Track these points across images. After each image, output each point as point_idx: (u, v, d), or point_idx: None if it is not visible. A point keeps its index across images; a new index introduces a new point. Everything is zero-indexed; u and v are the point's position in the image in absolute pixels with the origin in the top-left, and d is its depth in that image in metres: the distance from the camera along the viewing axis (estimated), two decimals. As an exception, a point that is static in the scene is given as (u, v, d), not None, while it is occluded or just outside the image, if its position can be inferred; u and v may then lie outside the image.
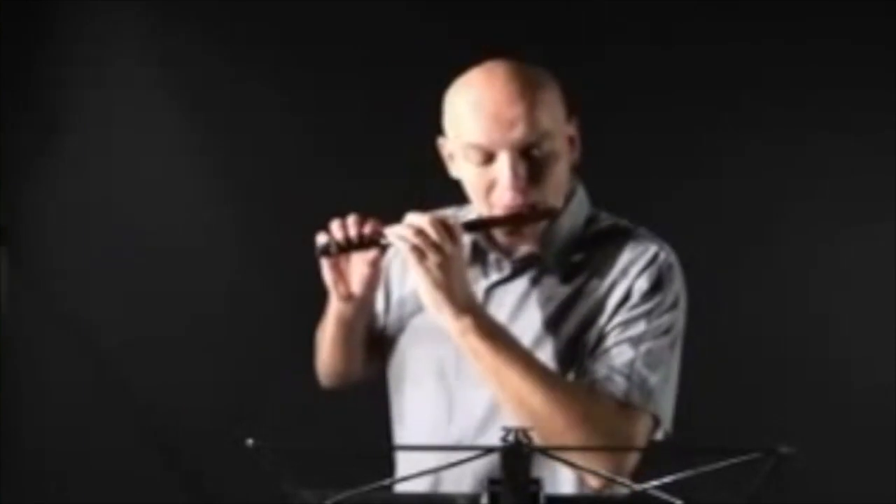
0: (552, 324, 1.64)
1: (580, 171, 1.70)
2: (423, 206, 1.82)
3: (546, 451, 1.18)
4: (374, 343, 1.83)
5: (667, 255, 1.65)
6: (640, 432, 1.59)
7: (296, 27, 2.94)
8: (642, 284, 1.62)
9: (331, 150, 2.94)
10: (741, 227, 2.86)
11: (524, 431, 1.13)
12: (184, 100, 2.96)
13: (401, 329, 1.78)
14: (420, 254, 1.54)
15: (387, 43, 2.90)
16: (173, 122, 2.97)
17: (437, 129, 1.68)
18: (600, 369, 1.59)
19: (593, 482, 1.55)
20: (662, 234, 1.70)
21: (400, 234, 1.56)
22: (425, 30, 2.91)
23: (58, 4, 2.97)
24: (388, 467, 1.75)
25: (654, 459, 1.53)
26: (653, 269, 1.63)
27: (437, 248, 1.54)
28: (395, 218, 1.72)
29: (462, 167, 1.64)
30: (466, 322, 1.55)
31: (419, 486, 1.59)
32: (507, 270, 1.68)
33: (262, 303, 2.95)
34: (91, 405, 2.94)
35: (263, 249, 2.95)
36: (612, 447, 1.54)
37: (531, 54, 1.67)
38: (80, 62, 2.98)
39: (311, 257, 1.66)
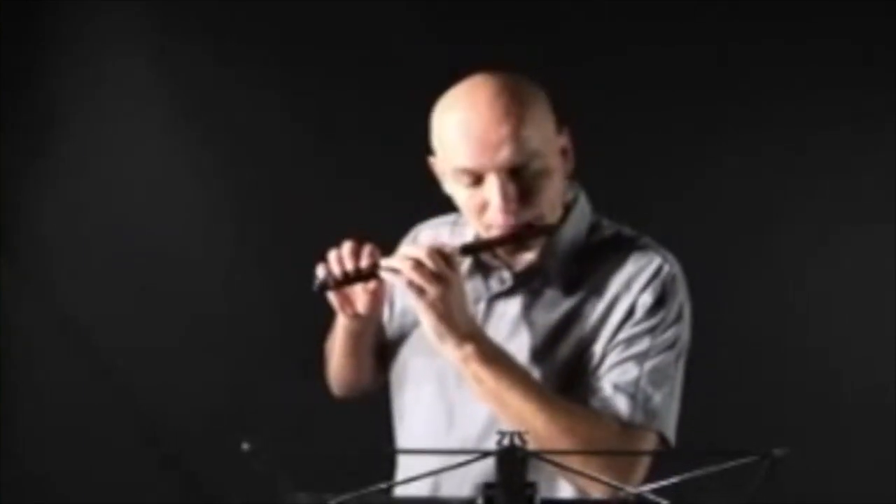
0: (554, 337, 1.63)
1: (580, 172, 1.69)
2: (425, 213, 1.84)
3: (540, 455, 1.18)
4: (384, 353, 1.83)
5: (670, 266, 1.63)
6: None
7: (296, 28, 2.93)
8: (646, 299, 1.60)
9: (331, 151, 2.93)
10: (740, 228, 2.86)
11: (520, 435, 1.13)
12: (183, 101, 2.96)
13: (403, 337, 1.78)
14: (419, 290, 1.53)
15: (387, 45, 2.89)
16: (172, 123, 2.96)
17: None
18: (604, 387, 1.58)
19: (596, 493, 1.54)
20: (661, 235, 1.70)
21: (396, 269, 1.55)
22: (426, 32, 2.91)
23: (57, 4, 2.97)
24: (389, 472, 1.75)
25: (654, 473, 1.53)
26: (657, 283, 1.61)
27: (436, 279, 1.53)
28: (397, 224, 1.72)
29: (454, 189, 1.63)
30: (468, 349, 1.55)
31: (418, 492, 1.60)
32: (508, 282, 1.67)
33: (261, 305, 2.95)
34: (90, 407, 2.94)
35: (263, 251, 2.94)
36: (608, 452, 1.54)
37: (530, 55, 1.67)
38: (79, 63, 2.97)
39: (310, 260, 1.66)
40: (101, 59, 2.97)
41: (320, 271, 1.63)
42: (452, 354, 1.56)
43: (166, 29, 2.96)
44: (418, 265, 1.53)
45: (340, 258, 1.63)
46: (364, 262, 1.61)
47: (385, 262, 1.58)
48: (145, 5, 2.96)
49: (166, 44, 2.96)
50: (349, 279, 1.62)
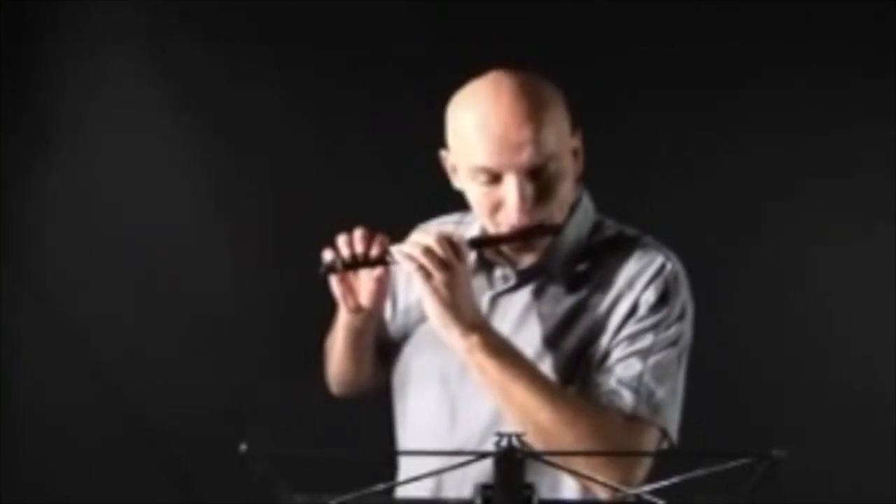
0: (557, 334, 1.64)
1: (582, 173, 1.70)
2: (426, 212, 1.83)
3: (538, 456, 1.18)
4: (384, 351, 1.83)
5: (673, 265, 1.64)
6: (648, 446, 1.59)
7: (295, 28, 2.93)
8: (649, 297, 1.61)
9: (331, 152, 2.93)
10: (740, 228, 2.86)
11: (518, 436, 1.13)
12: (182, 101, 2.95)
13: (406, 336, 1.78)
14: (426, 273, 1.54)
15: (389, 47, 2.89)
16: (171, 123, 2.96)
17: (442, 134, 1.67)
18: (607, 383, 1.59)
19: (602, 494, 1.55)
20: (661, 235, 1.70)
21: (407, 253, 1.56)
22: (427, 33, 2.90)
23: (56, 5, 2.96)
24: (389, 474, 1.74)
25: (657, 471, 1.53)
26: (659, 281, 1.62)
27: (444, 265, 1.54)
28: (397, 223, 1.72)
29: (467, 185, 1.64)
30: (473, 340, 1.55)
31: (420, 493, 1.60)
32: (512, 280, 1.68)
33: (260, 305, 2.94)
34: (89, 407, 2.94)
35: (262, 251, 2.94)
36: (605, 453, 1.54)
37: (529, 56, 1.67)
38: (78, 64, 2.96)
39: (310, 260, 1.66)
40: (100, 60, 2.96)
41: (327, 255, 1.64)
42: (457, 344, 1.56)
43: (165, 29, 2.95)
44: (427, 251, 1.54)
45: (351, 241, 1.63)
46: (374, 250, 1.62)
47: (395, 248, 1.59)
48: (144, 6, 2.95)
49: (165, 44, 2.95)
50: (357, 263, 1.62)
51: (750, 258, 2.87)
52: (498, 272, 1.70)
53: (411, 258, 1.55)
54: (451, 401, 1.69)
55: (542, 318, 1.65)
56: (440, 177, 1.70)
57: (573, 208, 1.68)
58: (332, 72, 2.91)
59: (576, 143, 1.64)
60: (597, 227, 1.71)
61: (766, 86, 2.85)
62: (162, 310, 2.94)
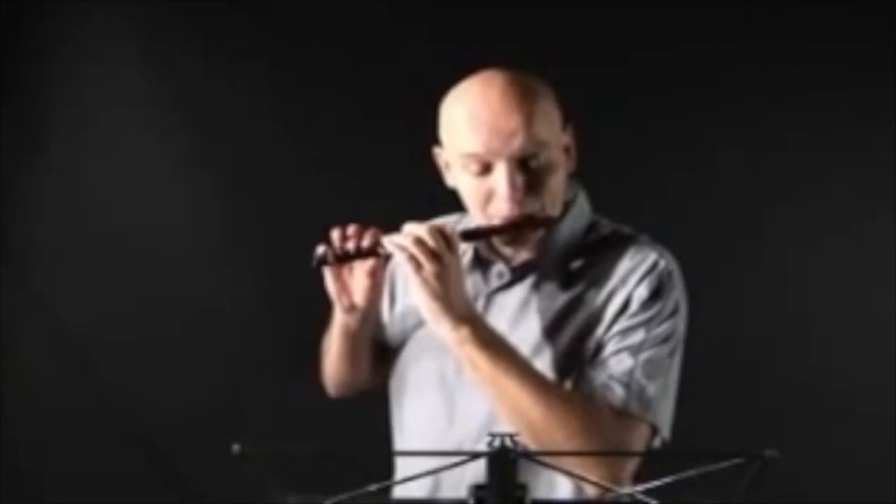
0: (552, 330, 1.64)
1: (576, 171, 1.70)
2: (422, 212, 1.84)
3: (531, 456, 1.18)
4: (381, 352, 1.83)
5: (667, 262, 1.65)
6: (638, 441, 1.59)
7: (294, 31, 2.93)
8: (641, 293, 1.62)
9: (328, 152, 2.94)
10: (739, 228, 2.86)
11: (511, 437, 1.13)
12: (175, 102, 2.95)
13: (403, 342, 1.78)
14: (417, 263, 1.53)
15: (382, 48, 2.90)
16: (165, 125, 2.96)
17: (436, 135, 1.67)
18: (599, 377, 1.59)
19: (590, 490, 1.55)
20: (658, 234, 1.70)
21: (398, 243, 1.56)
22: (424, 34, 2.91)
23: (48, 7, 2.96)
24: (384, 474, 1.74)
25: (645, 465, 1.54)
26: (652, 278, 1.63)
27: (434, 256, 1.53)
28: (392, 224, 1.72)
29: (459, 177, 1.64)
30: (464, 332, 1.55)
31: (417, 493, 1.61)
32: (506, 277, 1.69)
33: (256, 307, 2.95)
34: (86, 409, 2.94)
35: (258, 253, 2.94)
36: (598, 453, 1.54)
37: (527, 56, 1.67)
38: (70, 66, 2.96)
39: (303, 260, 1.66)
40: (99, 61, 2.96)
41: (320, 248, 1.63)
42: (448, 337, 1.56)
43: (164, 30, 2.95)
44: (418, 241, 1.54)
45: (344, 234, 1.64)
46: (366, 241, 1.62)
47: (387, 239, 1.59)
48: (143, 6, 2.95)
49: (164, 45, 2.95)
50: (349, 255, 1.62)
51: (749, 258, 2.87)
52: (492, 270, 1.70)
53: (402, 248, 1.55)
54: (449, 401, 1.69)
55: (538, 314, 1.66)
56: (436, 177, 1.71)
57: (568, 206, 1.69)
58: (328, 72, 2.92)
59: (567, 139, 1.65)
60: (592, 226, 1.71)
61: (766, 86, 2.85)
62: (157, 310, 2.95)
